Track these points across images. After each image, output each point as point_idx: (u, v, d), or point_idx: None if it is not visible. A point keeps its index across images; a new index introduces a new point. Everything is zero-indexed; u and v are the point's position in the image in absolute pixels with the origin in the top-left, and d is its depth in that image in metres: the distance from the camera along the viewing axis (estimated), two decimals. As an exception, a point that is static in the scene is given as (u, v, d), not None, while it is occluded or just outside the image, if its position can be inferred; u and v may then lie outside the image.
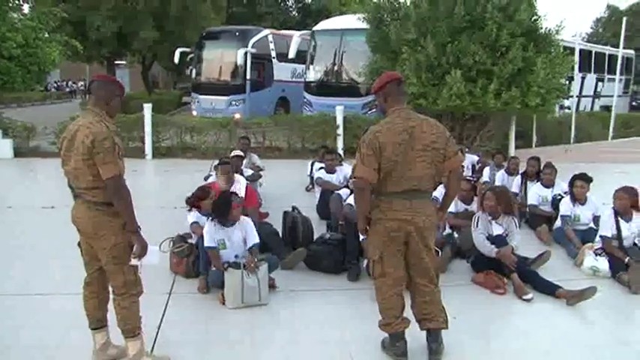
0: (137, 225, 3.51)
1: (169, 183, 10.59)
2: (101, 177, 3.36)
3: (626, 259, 5.61)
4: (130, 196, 3.45)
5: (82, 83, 42.35)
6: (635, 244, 5.97)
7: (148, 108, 13.25)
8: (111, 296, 3.74)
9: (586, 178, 6.70)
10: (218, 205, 5.15)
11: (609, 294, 5.26)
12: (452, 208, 6.41)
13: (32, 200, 8.64)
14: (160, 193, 10.11)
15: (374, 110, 14.90)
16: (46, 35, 14.99)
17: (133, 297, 3.68)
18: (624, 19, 18.08)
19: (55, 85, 44.58)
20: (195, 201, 5.69)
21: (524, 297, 5.12)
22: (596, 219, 6.57)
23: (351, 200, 5.85)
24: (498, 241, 5.52)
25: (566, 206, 6.78)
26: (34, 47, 14.43)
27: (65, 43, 15.49)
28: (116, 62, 27.55)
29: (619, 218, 5.92)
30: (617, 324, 4.77)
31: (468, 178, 7.25)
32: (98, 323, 3.81)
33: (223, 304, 4.82)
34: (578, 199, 6.71)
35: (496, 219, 5.70)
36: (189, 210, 5.74)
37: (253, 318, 4.62)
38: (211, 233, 5.09)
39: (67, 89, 44.48)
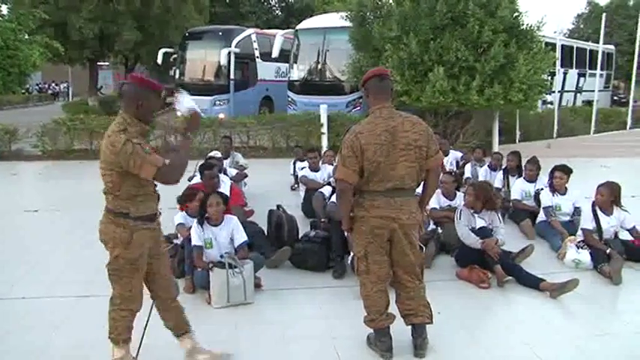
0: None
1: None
2: (116, 186, 3.31)
3: (608, 250, 5.69)
4: (184, 162, 3.41)
5: (65, 85, 41.96)
6: (616, 235, 6.07)
7: (131, 109, 13.15)
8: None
9: (565, 169, 6.81)
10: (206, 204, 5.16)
11: (591, 286, 5.33)
12: (435, 204, 6.47)
13: (15, 204, 8.57)
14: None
15: (358, 108, 14.96)
16: (26, 37, 14.85)
17: (123, 312, 3.58)
18: (604, 15, 18.26)
19: (37, 87, 44.18)
20: (184, 201, 5.68)
21: (504, 279, 5.21)
22: (576, 210, 6.66)
23: (334, 198, 5.87)
24: (482, 232, 5.58)
25: (545, 197, 6.88)
26: (13, 49, 14.29)
27: (46, 45, 15.36)
28: (99, 64, 27.30)
29: (598, 212, 6.01)
30: (599, 315, 4.83)
31: (449, 171, 7.30)
32: (178, 331, 3.79)
33: (209, 304, 4.82)
34: (557, 189, 6.80)
35: (478, 213, 5.75)
36: (181, 209, 5.73)
37: (239, 317, 4.63)
38: (199, 232, 5.09)
39: (50, 91, 44.09)
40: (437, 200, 6.50)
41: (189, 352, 3.80)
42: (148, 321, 4.51)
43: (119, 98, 3.44)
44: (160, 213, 3.61)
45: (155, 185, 3.49)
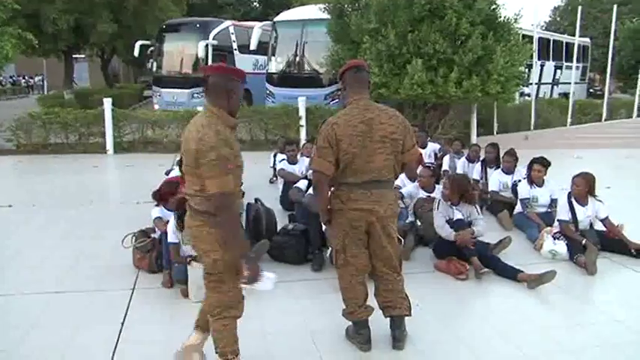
0: (246, 249, 3.18)
1: (131, 178, 10.43)
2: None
3: (584, 241, 5.76)
4: (238, 217, 3.13)
5: (40, 78, 41.33)
6: (591, 226, 6.14)
7: (107, 102, 13.08)
8: None
9: (544, 163, 6.86)
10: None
11: (567, 276, 5.39)
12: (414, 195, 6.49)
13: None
14: (123, 188, 9.98)
15: (336, 101, 14.94)
16: (-2, 28, 14.55)
17: (225, 320, 3.33)
18: (579, 8, 18.42)
19: (11, 80, 43.48)
20: (163, 196, 5.62)
21: (482, 271, 5.25)
22: (553, 201, 6.73)
23: (312, 190, 5.86)
24: (459, 224, 5.61)
25: (523, 189, 6.93)
26: (-17, 41, 13.99)
27: (19, 37, 15.05)
28: (75, 56, 26.88)
29: (574, 203, 6.07)
30: (574, 305, 4.89)
31: (428, 164, 7.33)
32: (201, 324, 3.60)
33: (187, 298, 4.78)
34: (535, 181, 6.86)
35: (455, 205, 5.77)
36: (156, 205, 5.67)
37: (217, 311, 4.59)
38: (175, 229, 5.04)
39: (24, 84, 43.41)
40: (416, 193, 6.52)
41: (190, 346, 3.62)
42: (126, 314, 4.50)
43: (206, 91, 3.24)
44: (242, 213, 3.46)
45: (241, 183, 3.33)
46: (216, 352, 3.41)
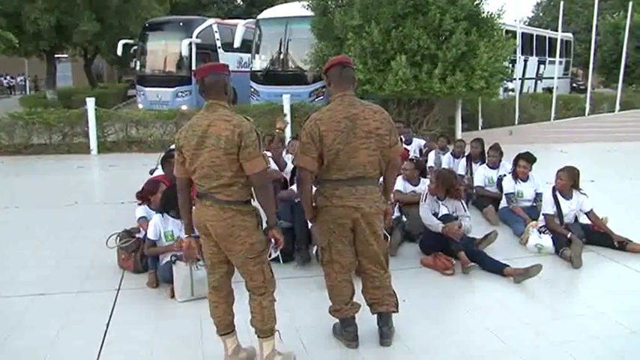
0: (276, 219, 3.52)
1: (115, 178, 10.35)
2: (240, 173, 3.28)
3: (569, 235, 5.79)
4: (273, 191, 3.37)
5: (22, 78, 40.86)
6: (576, 219, 6.18)
7: (90, 102, 13.00)
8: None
9: (529, 159, 6.89)
10: (170, 197, 5.04)
11: (553, 270, 5.42)
12: (400, 187, 6.48)
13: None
14: (107, 188, 9.90)
15: (321, 97, 14.93)
16: (-23, 27, 14.38)
17: (271, 295, 3.59)
18: (561, 3, 18.52)
19: (-8, 80, 42.93)
20: (145, 196, 5.58)
21: (468, 266, 5.28)
22: (538, 196, 6.76)
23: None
24: (445, 218, 5.62)
25: (508, 184, 6.96)
26: (-37, 40, 13.83)
27: (-1, 36, 14.89)
28: (57, 56, 26.57)
29: (559, 197, 6.10)
30: (559, 299, 4.91)
31: (411, 158, 7.34)
32: (228, 328, 3.72)
33: (173, 297, 4.75)
34: (520, 177, 6.89)
35: (442, 200, 5.78)
36: (140, 204, 5.63)
37: (204, 310, 4.50)
38: (158, 225, 5.03)
39: (6, 85, 42.90)
40: (402, 186, 6.51)
41: (234, 351, 3.76)
42: (111, 314, 4.46)
43: (206, 90, 3.40)
44: None
45: None
46: (264, 329, 3.58)
